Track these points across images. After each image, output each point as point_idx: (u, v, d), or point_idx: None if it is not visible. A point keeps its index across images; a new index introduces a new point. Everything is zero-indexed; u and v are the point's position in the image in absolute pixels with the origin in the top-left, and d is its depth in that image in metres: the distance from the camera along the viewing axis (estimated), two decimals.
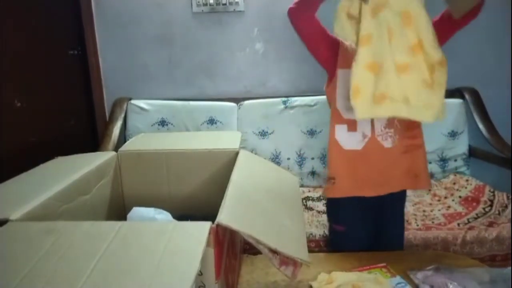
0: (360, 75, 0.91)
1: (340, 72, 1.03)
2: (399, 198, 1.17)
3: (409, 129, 1.05)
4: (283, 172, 1.04)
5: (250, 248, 0.91)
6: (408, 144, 1.06)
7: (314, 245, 1.45)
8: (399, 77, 0.90)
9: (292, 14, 1.01)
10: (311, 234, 1.47)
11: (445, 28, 0.97)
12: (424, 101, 0.92)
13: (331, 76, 1.07)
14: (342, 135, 1.07)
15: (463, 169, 2.02)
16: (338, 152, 1.07)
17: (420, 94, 0.91)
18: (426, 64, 0.92)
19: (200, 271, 0.56)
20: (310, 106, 1.99)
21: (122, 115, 2.05)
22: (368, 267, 0.91)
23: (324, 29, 1.04)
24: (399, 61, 0.90)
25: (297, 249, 0.69)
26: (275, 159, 2.00)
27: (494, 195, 1.75)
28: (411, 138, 1.06)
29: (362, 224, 1.14)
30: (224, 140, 1.11)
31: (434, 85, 0.93)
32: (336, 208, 1.16)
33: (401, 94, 0.90)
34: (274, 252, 0.66)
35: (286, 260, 0.69)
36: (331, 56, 1.04)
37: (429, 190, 1.85)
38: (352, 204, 1.09)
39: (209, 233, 0.58)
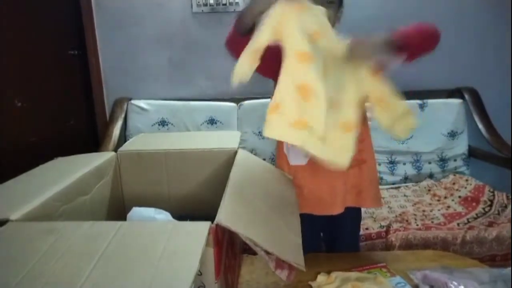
0: (285, 93, 0.81)
1: None
2: (350, 216, 1.10)
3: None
4: (279, 173, 1.03)
5: (250, 248, 0.91)
6: (353, 159, 0.94)
7: None
8: (328, 112, 0.82)
9: (230, 49, 0.93)
10: None
11: None
12: (341, 143, 0.85)
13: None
14: (288, 149, 1.04)
15: (462, 169, 2.03)
16: (286, 168, 1.04)
17: (339, 137, 0.85)
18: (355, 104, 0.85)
19: (199, 271, 0.56)
20: None
21: (122, 115, 2.05)
22: (368, 267, 0.91)
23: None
24: (333, 94, 0.83)
25: (293, 253, 0.69)
26: (275, 159, 1.99)
27: (493, 195, 1.75)
28: (358, 152, 0.94)
29: (311, 236, 1.09)
30: (223, 139, 1.11)
31: (353, 127, 0.86)
32: None
33: (323, 130, 0.82)
34: (270, 254, 0.66)
35: (281, 264, 0.70)
36: (275, 67, 0.87)
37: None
38: (302, 217, 0.92)
39: (209, 233, 0.58)
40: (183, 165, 1.04)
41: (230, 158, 0.99)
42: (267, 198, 0.83)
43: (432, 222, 1.58)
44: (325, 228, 1.18)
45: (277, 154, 1.08)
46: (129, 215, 0.88)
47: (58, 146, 1.97)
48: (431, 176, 2.02)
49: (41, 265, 0.52)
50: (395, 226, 1.52)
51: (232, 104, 2.06)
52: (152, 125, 2.03)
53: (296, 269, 0.69)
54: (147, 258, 0.52)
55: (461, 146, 2.03)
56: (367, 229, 1.51)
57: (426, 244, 1.45)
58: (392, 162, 2.02)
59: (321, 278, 0.87)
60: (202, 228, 0.58)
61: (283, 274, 0.70)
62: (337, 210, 1.04)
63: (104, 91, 2.15)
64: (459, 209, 1.70)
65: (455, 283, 0.79)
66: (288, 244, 0.71)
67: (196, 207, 1.02)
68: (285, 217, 0.80)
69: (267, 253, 0.65)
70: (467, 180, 1.89)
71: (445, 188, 1.88)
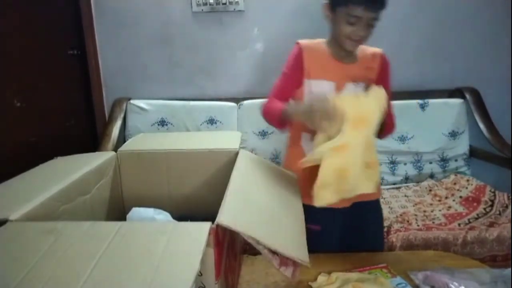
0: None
1: (307, 82, 1.05)
2: (369, 209, 1.16)
3: None
4: (282, 172, 1.03)
5: (250, 249, 0.91)
6: None
7: None
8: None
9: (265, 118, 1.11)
10: None
11: None
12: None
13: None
14: (307, 143, 1.08)
15: (463, 169, 2.02)
16: (294, 163, 1.04)
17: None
18: None
19: (200, 271, 0.56)
20: None
21: (122, 115, 2.05)
22: (369, 268, 0.91)
23: (292, 94, 1.08)
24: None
25: (297, 250, 0.68)
26: (275, 159, 1.99)
27: (494, 195, 1.74)
28: None
29: (335, 225, 1.12)
30: (224, 140, 1.11)
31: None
32: (309, 208, 1.00)
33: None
34: (273, 252, 0.66)
35: (285, 261, 0.69)
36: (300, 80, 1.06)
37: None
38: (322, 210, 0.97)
39: (209, 234, 0.57)
40: (183, 166, 1.04)
41: (230, 159, 0.99)
42: (270, 196, 0.82)
43: (433, 222, 1.58)
44: (348, 219, 1.16)
45: (291, 147, 1.15)
46: (128, 215, 0.87)
47: (58, 146, 1.97)
48: (432, 176, 2.02)
49: (41, 265, 0.52)
50: (396, 226, 1.52)
51: (232, 104, 2.06)
52: (152, 125, 2.03)
53: (301, 266, 0.69)
54: (147, 259, 0.52)
55: (462, 146, 2.03)
56: None
57: (427, 245, 1.45)
58: (393, 162, 2.02)
59: (321, 278, 0.87)
60: (202, 229, 0.58)
61: (287, 272, 0.70)
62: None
63: (104, 91, 2.15)
64: (460, 209, 1.70)
65: (456, 284, 0.79)
66: (292, 240, 0.71)
67: (196, 207, 1.02)
68: (289, 214, 0.80)
69: (270, 251, 0.65)
70: (468, 180, 1.89)
71: (446, 188, 1.88)
